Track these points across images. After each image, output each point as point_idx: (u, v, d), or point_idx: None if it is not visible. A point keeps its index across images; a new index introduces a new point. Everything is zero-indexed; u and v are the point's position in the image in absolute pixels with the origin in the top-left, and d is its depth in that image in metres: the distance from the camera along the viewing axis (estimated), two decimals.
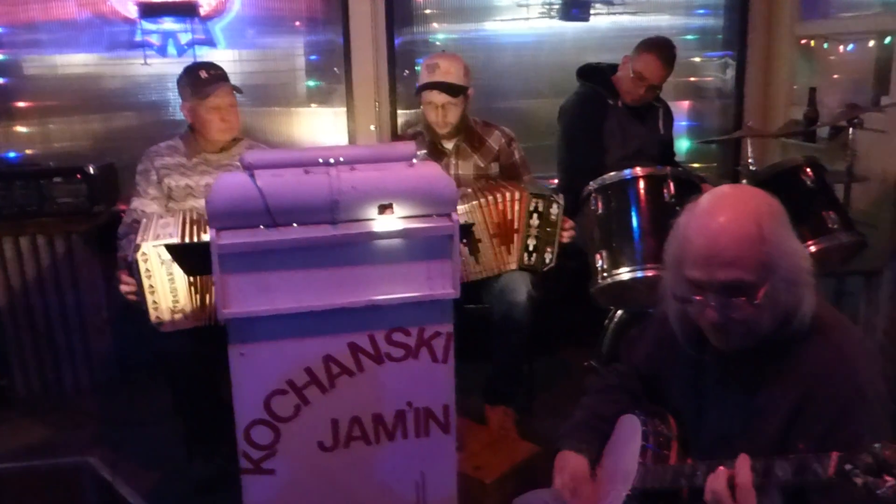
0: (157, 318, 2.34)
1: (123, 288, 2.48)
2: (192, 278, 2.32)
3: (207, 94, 2.75)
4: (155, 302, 2.33)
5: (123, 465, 2.85)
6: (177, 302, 2.35)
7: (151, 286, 2.31)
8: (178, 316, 2.34)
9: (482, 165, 3.12)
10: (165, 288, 2.34)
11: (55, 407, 3.37)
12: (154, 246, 2.25)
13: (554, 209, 2.81)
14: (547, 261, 2.85)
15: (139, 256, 2.26)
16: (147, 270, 2.28)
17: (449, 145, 3.12)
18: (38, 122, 3.66)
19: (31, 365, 3.43)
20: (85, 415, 3.30)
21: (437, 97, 2.99)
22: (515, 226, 2.82)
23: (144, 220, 2.51)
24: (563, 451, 1.70)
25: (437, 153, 3.10)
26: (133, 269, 2.33)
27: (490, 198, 2.79)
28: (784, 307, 1.38)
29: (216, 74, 2.81)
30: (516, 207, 2.81)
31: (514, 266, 2.86)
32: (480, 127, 3.18)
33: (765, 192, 1.43)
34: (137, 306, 2.40)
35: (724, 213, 1.38)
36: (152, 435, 3.10)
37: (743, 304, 1.36)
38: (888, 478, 1.07)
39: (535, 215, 2.82)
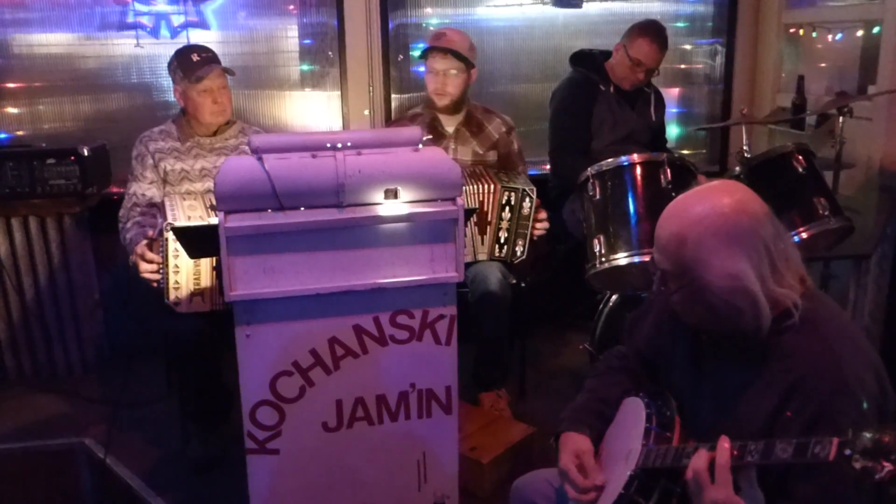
0: (177, 298, 2.35)
1: (145, 266, 2.44)
2: (215, 261, 2.31)
3: (199, 77, 2.72)
4: (177, 282, 2.34)
5: (118, 446, 2.84)
6: (198, 284, 2.36)
7: (177, 266, 2.32)
8: (196, 298, 2.35)
9: (480, 152, 3.11)
10: (189, 269, 2.35)
11: (47, 389, 3.36)
12: (184, 226, 2.23)
13: (526, 203, 2.82)
14: (518, 253, 2.87)
15: (170, 235, 2.26)
16: (175, 250, 2.29)
17: (450, 128, 3.09)
18: (27, 102, 3.61)
19: (23, 347, 3.43)
20: (77, 396, 3.29)
21: (440, 62, 2.95)
22: (489, 217, 2.84)
23: (168, 201, 2.49)
24: (565, 433, 1.73)
25: (436, 135, 3.08)
26: (159, 247, 2.33)
27: (470, 188, 2.80)
28: (725, 313, 1.43)
29: (207, 57, 2.77)
30: (491, 199, 2.83)
31: (484, 256, 2.89)
32: (481, 112, 3.17)
33: (736, 206, 1.42)
34: (145, 284, 2.38)
35: (676, 208, 1.50)
36: (146, 416, 3.11)
37: (670, 290, 1.50)
38: (886, 463, 1.08)
39: (507, 208, 2.83)
